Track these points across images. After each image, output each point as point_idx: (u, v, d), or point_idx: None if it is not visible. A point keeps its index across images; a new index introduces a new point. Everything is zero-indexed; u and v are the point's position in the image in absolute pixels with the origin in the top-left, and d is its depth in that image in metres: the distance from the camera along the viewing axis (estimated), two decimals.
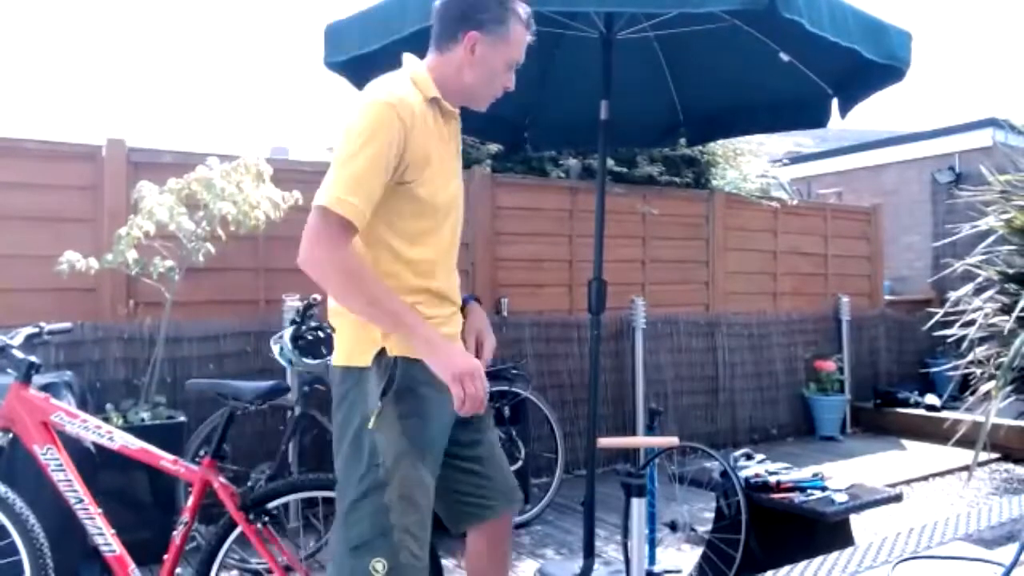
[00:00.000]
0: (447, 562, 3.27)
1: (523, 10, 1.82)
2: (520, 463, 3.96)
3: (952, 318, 4.94)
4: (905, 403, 6.48)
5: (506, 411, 3.98)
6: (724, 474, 3.03)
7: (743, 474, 3.11)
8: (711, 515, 3.28)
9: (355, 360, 1.71)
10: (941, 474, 5.11)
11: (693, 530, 3.24)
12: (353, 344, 1.73)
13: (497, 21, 1.76)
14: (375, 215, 1.64)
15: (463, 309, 1.95)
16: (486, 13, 1.75)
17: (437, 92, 1.75)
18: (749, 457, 3.42)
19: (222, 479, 2.16)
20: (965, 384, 5.12)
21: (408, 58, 1.84)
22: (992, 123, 8.30)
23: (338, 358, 1.77)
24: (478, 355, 1.90)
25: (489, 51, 1.76)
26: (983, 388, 4.68)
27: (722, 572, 2.92)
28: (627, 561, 2.77)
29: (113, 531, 2.18)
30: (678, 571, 3.07)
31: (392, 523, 1.64)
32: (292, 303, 3.93)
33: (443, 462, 1.78)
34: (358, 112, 1.64)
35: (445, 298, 1.79)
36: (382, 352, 1.67)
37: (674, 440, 2.26)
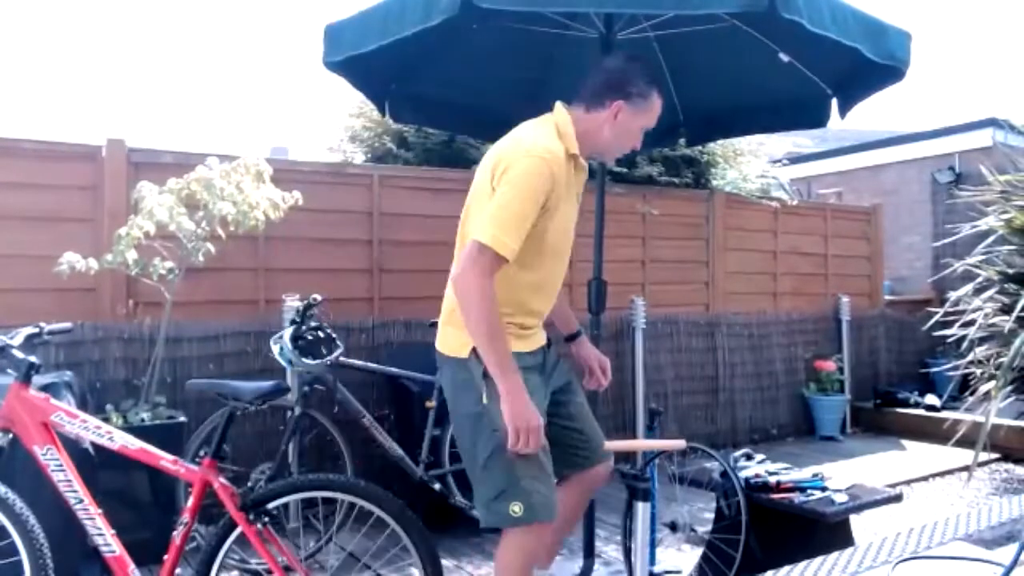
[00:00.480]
0: (446, 561, 3.27)
1: (660, 87, 2.17)
2: None
3: (952, 318, 4.94)
4: (905, 403, 6.48)
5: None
6: (724, 474, 3.03)
7: (743, 474, 3.11)
8: (711, 515, 3.28)
9: (461, 352, 2.09)
10: (941, 474, 5.11)
11: (693, 530, 3.24)
12: (458, 341, 2.11)
13: (642, 96, 2.12)
14: None
15: (573, 339, 2.51)
16: (635, 88, 2.11)
17: (576, 148, 2.11)
18: (749, 457, 3.43)
19: (222, 479, 2.16)
20: (965, 384, 5.11)
21: (559, 107, 2.17)
22: (992, 123, 8.30)
23: (448, 350, 2.15)
24: (602, 375, 2.49)
25: (630, 118, 2.12)
26: (983, 388, 4.68)
27: (722, 572, 2.92)
28: (628, 563, 2.78)
29: (113, 531, 2.18)
30: (678, 571, 3.07)
31: (519, 474, 2.00)
32: (292, 303, 3.93)
33: (550, 423, 2.15)
34: (518, 158, 1.97)
35: (534, 313, 2.19)
36: (475, 348, 2.06)
37: (681, 443, 2.26)
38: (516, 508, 2.00)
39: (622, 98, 2.09)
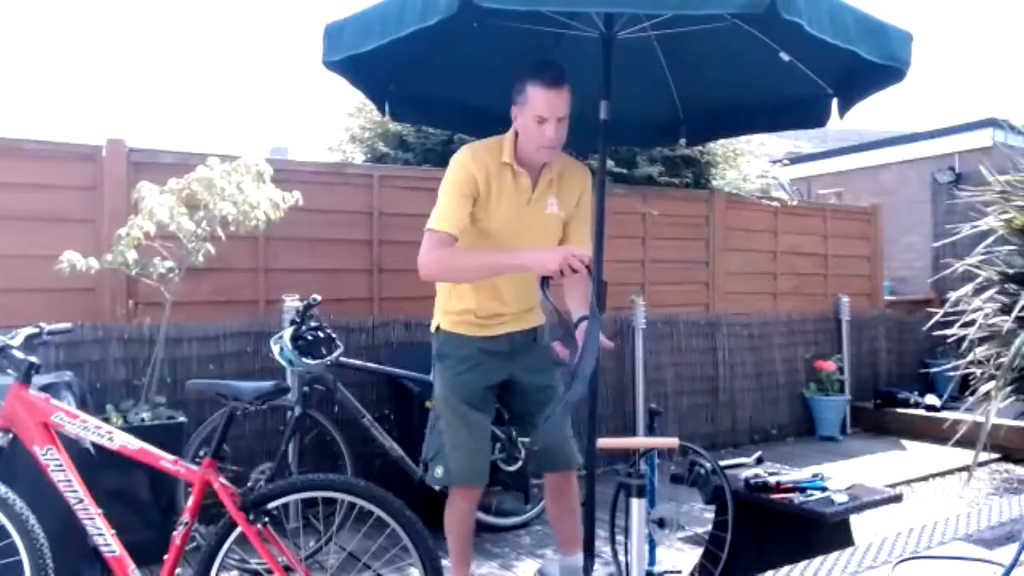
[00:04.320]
0: (446, 561, 3.26)
1: (545, 74, 2.35)
2: (520, 463, 3.95)
3: (952, 318, 4.94)
4: (905, 403, 6.48)
5: (506, 412, 3.98)
6: (713, 472, 3.03)
7: (743, 474, 3.11)
8: (711, 515, 3.29)
9: (433, 326, 2.60)
10: (941, 474, 5.11)
11: (682, 527, 3.24)
12: (433, 322, 2.62)
13: (520, 92, 2.38)
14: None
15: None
16: (516, 91, 2.41)
17: (509, 157, 2.44)
18: (760, 461, 3.42)
19: (222, 479, 2.16)
20: (965, 384, 5.11)
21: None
22: (992, 123, 8.30)
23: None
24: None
25: (524, 117, 2.38)
26: (983, 388, 4.67)
27: (722, 572, 2.92)
28: (616, 561, 2.78)
29: (113, 531, 2.17)
30: (678, 572, 3.07)
31: (443, 442, 2.48)
32: (292, 303, 3.93)
33: (513, 419, 2.82)
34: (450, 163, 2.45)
35: (488, 306, 2.53)
36: (438, 327, 2.57)
37: (674, 441, 2.26)
38: (439, 471, 2.49)
39: (513, 104, 2.42)
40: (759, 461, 3.44)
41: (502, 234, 2.43)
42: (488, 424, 2.61)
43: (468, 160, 2.39)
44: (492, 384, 2.57)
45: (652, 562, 2.88)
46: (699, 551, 3.21)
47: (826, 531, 2.86)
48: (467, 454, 2.44)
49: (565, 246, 2.33)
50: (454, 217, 2.33)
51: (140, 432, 2.41)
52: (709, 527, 3.20)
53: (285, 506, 2.64)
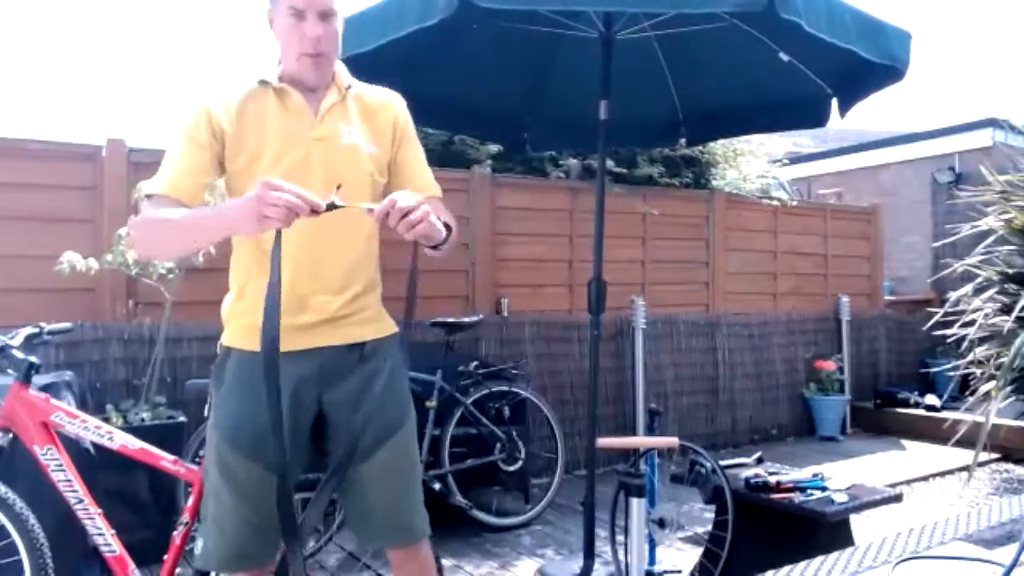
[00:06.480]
0: (446, 561, 3.27)
1: None
2: (520, 463, 3.96)
3: (952, 318, 4.94)
4: (905, 403, 6.48)
5: (506, 411, 3.99)
6: (712, 471, 3.04)
7: (743, 474, 3.12)
8: (711, 515, 3.29)
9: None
10: (941, 474, 5.11)
11: (682, 527, 3.24)
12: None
13: None
14: None
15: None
16: None
17: (268, 75, 1.73)
18: (760, 461, 3.42)
19: None
20: (965, 384, 5.11)
21: None
22: (992, 123, 8.30)
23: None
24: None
25: (277, 19, 1.71)
26: (983, 388, 4.67)
27: (723, 572, 2.92)
28: (616, 561, 2.78)
29: (113, 531, 2.18)
30: (678, 571, 3.07)
31: (206, 511, 1.71)
32: None
33: (342, 482, 1.70)
34: None
35: (292, 293, 1.67)
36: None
37: (674, 440, 2.26)
38: (197, 547, 1.74)
39: (269, 6, 1.73)
40: (759, 461, 3.44)
41: (290, 181, 1.45)
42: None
43: (202, 99, 1.69)
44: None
45: (652, 562, 2.88)
46: (699, 551, 3.21)
47: (826, 531, 2.86)
48: (224, 534, 1.68)
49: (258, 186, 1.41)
50: (169, 174, 1.64)
51: (140, 432, 2.41)
52: (709, 527, 3.20)
53: None
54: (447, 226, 1.67)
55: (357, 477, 1.71)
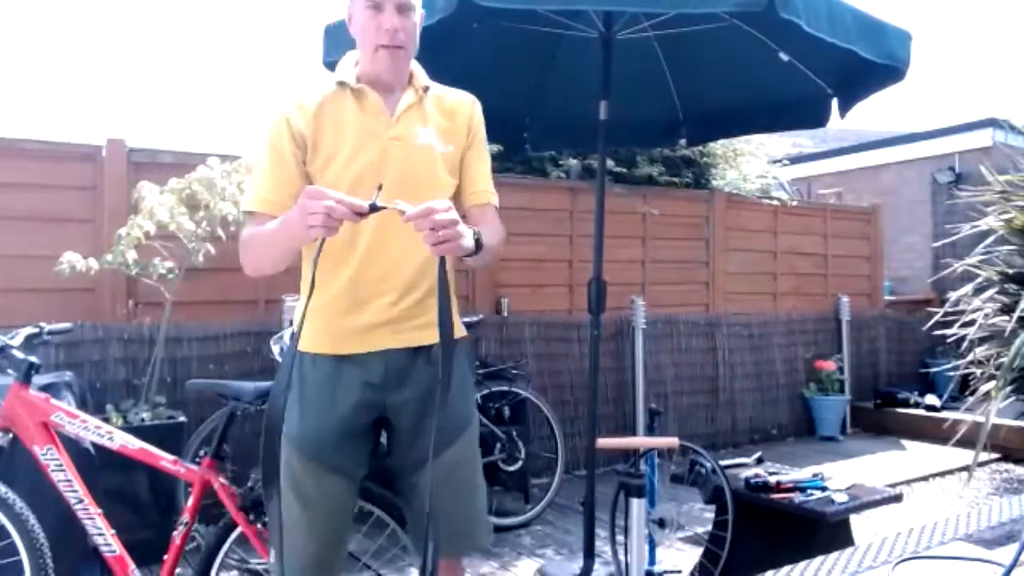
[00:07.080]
0: (446, 561, 3.26)
1: None
2: (520, 463, 3.96)
3: (952, 318, 4.94)
4: (905, 403, 6.48)
5: (506, 411, 3.99)
6: (713, 471, 3.04)
7: (743, 474, 3.11)
8: (711, 515, 3.29)
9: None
10: (941, 474, 5.11)
11: (682, 527, 3.24)
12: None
13: None
14: None
15: None
16: None
17: (345, 75, 1.72)
18: (760, 461, 3.42)
19: (222, 479, 2.16)
20: (965, 384, 5.11)
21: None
22: (992, 123, 8.30)
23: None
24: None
25: (355, 13, 1.71)
26: (983, 388, 4.67)
27: (723, 572, 2.93)
28: (616, 561, 2.78)
29: (113, 531, 2.18)
30: (678, 571, 3.07)
31: (275, 520, 1.59)
32: (292, 303, 3.92)
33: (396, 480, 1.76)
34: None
35: (354, 288, 1.67)
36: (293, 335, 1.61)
37: (674, 440, 2.25)
38: (270, 558, 1.69)
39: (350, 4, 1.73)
40: (759, 461, 3.44)
41: (364, 181, 1.60)
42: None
43: (281, 106, 1.69)
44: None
45: (652, 562, 2.88)
46: (699, 551, 3.21)
47: (826, 531, 2.86)
48: (299, 547, 1.66)
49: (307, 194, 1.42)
50: (258, 189, 1.67)
51: (140, 432, 2.41)
52: (709, 527, 3.20)
53: None
54: (479, 242, 1.57)
55: (420, 482, 1.68)
